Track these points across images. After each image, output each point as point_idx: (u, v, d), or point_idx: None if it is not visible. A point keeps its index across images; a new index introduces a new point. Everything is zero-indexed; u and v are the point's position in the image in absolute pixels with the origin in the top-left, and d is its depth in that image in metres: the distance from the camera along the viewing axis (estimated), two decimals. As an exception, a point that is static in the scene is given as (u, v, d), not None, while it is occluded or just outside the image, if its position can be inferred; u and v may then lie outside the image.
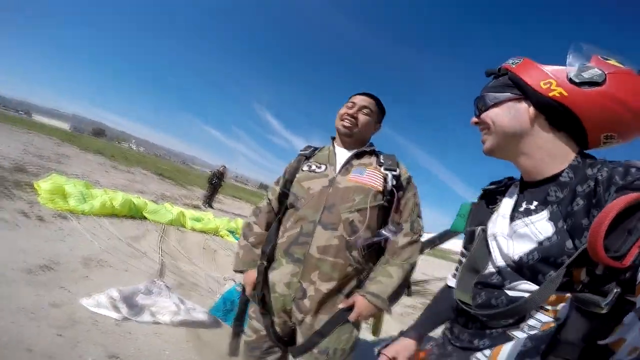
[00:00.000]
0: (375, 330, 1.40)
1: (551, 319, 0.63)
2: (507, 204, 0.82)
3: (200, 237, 5.79)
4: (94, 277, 2.83)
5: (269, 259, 1.32)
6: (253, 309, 1.34)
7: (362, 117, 1.40)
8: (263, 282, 1.31)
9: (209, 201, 10.98)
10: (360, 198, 1.26)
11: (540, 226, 0.68)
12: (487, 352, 0.69)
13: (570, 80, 0.68)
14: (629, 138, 0.73)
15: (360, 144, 1.45)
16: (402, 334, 0.99)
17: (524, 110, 0.75)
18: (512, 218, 0.77)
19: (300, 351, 1.23)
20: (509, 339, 0.67)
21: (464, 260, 0.88)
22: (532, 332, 0.64)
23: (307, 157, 1.47)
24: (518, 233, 0.71)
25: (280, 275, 1.26)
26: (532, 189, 0.77)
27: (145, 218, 5.87)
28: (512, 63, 0.79)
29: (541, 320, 0.64)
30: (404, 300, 5.88)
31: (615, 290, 0.54)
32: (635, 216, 0.53)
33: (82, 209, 4.90)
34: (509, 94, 0.77)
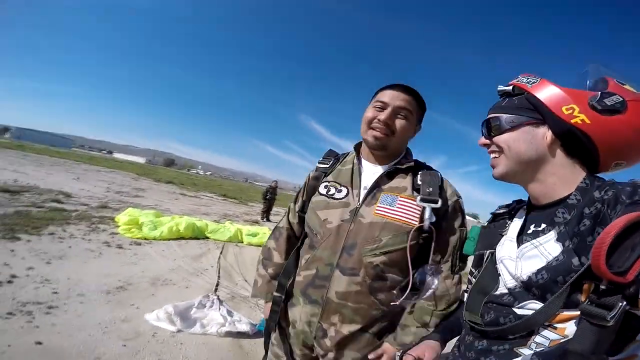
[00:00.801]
0: None
1: (559, 337, 0.62)
2: (515, 226, 0.81)
3: (256, 251, 6.16)
4: (159, 295, 3.24)
5: (287, 293, 1.20)
6: (274, 336, 1.25)
7: (399, 123, 1.10)
8: (282, 315, 1.21)
9: (266, 215, 11.59)
10: (388, 238, 1.04)
11: (549, 247, 0.67)
12: None
13: (592, 107, 0.66)
14: (634, 163, 0.73)
15: (395, 156, 1.17)
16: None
17: (542, 135, 0.72)
18: (520, 241, 0.76)
19: None
20: (515, 356, 0.66)
21: (473, 281, 0.87)
22: (539, 350, 0.63)
23: (327, 174, 1.23)
24: (526, 255, 0.70)
25: (300, 313, 1.14)
26: (539, 211, 0.76)
27: (207, 238, 6.46)
28: (528, 82, 0.74)
29: (549, 338, 0.63)
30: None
31: (620, 304, 0.53)
32: (638, 232, 0.53)
33: (153, 235, 5.60)
34: (526, 117, 0.73)
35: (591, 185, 0.69)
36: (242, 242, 6.68)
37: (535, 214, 0.77)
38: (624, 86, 0.68)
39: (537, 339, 0.64)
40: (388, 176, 1.13)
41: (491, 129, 0.79)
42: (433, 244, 1.04)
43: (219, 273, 4.35)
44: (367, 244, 1.05)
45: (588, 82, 0.70)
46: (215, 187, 26.23)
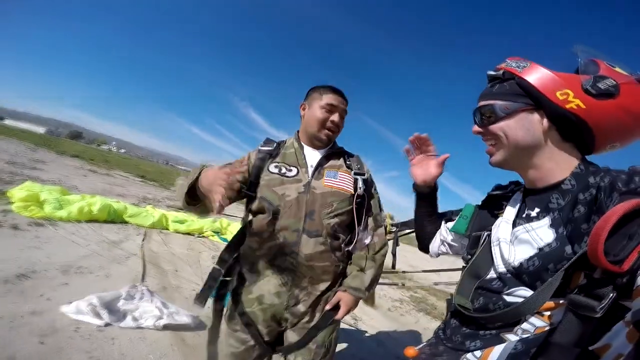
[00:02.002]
0: (372, 304, 1.53)
1: (545, 324, 0.63)
2: (511, 209, 0.81)
3: (184, 239, 5.74)
4: (74, 284, 2.80)
5: (242, 274, 1.32)
6: (235, 321, 1.30)
7: (342, 122, 1.41)
8: (242, 296, 1.30)
9: (192, 202, 10.85)
10: (337, 203, 1.31)
11: (541, 233, 0.68)
12: (478, 353, 0.69)
13: (586, 91, 0.65)
14: (628, 144, 0.74)
15: (329, 144, 1.45)
16: None
17: (537, 121, 0.72)
18: (515, 224, 0.77)
19: (298, 347, 1.26)
20: (501, 341, 0.67)
21: (466, 264, 0.87)
22: (525, 336, 0.64)
23: (272, 156, 1.39)
24: (519, 239, 0.71)
25: (268, 286, 1.26)
26: (534, 196, 0.77)
27: (126, 222, 5.78)
28: (518, 67, 0.73)
29: (535, 325, 0.64)
30: (391, 294, 5.97)
31: (611, 295, 0.54)
32: (636, 221, 0.53)
33: (59, 216, 4.78)
34: (521, 103, 0.72)
35: (586, 171, 0.69)
36: (168, 229, 6.15)
37: (530, 198, 0.78)
38: (615, 69, 0.68)
39: (524, 325, 0.65)
40: (326, 158, 1.40)
41: (484, 116, 0.78)
42: (365, 206, 1.36)
43: (144, 261, 3.94)
44: (324, 208, 1.28)
45: (579, 65, 0.69)
46: (131, 167, 23.50)
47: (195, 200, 1.23)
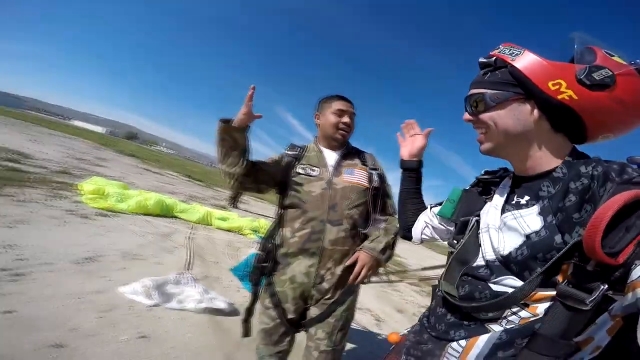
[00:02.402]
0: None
1: (530, 315, 0.62)
2: (500, 195, 0.80)
3: (226, 235, 6.13)
4: (131, 268, 3.18)
5: (276, 260, 1.54)
6: (268, 300, 1.53)
7: (353, 125, 1.63)
8: (270, 282, 1.54)
9: (234, 202, 11.39)
10: (355, 196, 1.53)
11: (530, 220, 0.67)
12: (463, 342, 0.69)
13: (580, 81, 0.62)
14: (622, 135, 0.71)
15: (344, 144, 1.67)
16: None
17: (528, 111, 0.70)
18: (503, 210, 0.75)
19: (319, 320, 1.48)
20: (486, 331, 0.66)
21: (453, 250, 0.85)
22: (509, 326, 0.64)
23: (297, 159, 1.61)
24: (507, 225, 0.70)
25: (299, 267, 1.48)
26: (524, 184, 0.75)
27: (176, 217, 6.31)
28: (511, 54, 0.70)
29: (520, 316, 0.63)
30: (419, 300, 5.83)
31: (601, 288, 0.53)
32: (635, 214, 0.52)
33: (120, 208, 5.39)
34: (512, 92, 0.70)
35: (576, 160, 0.68)
36: (212, 225, 6.59)
37: (520, 185, 0.77)
38: (613, 57, 0.64)
39: (510, 316, 0.64)
40: (343, 157, 1.62)
41: (475, 105, 0.76)
42: (380, 198, 1.58)
43: (190, 252, 4.32)
44: (344, 201, 1.50)
45: (575, 54, 0.66)
46: (178, 167, 25.25)
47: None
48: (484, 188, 0.89)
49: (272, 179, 1.57)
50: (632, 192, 0.51)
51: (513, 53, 0.70)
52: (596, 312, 0.55)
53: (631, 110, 0.64)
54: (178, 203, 6.79)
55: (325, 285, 1.48)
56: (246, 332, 1.65)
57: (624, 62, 0.63)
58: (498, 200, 0.79)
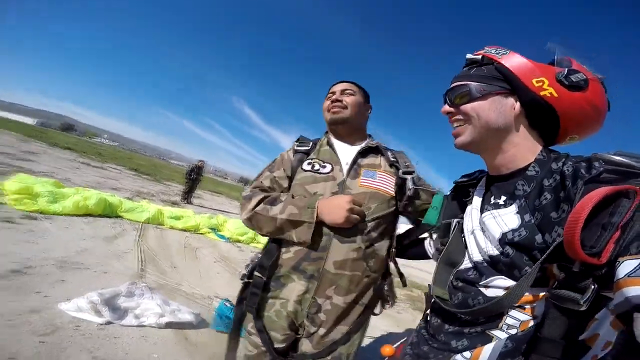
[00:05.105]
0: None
1: (529, 317, 0.63)
2: (478, 196, 0.82)
3: (180, 235, 5.67)
4: (71, 280, 2.73)
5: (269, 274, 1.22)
6: (252, 325, 1.22)
7: (348, 99, 1.31)
8: (258, 306, 1.21)
9: (187, 197, 10.73)
10: (375, 205, 1.18)
11: (507, 219, 0.69)
12: (467, 354, 0.68)
13: (560, 82, 0.69)
14: (585, 137, 0.79)
15: (359, 132, 1.36)
16: None
17: (510, 106, 0.74)
18: (482, 210, 0.77)
19: (312, 359, 1.16)
20: (489, 339, 0.66)
21: (438, 254, 0.87)
22: (512, 332, 0.64)
23: (308, 155, 1.32)
24: (487, 225, 0.72)
25: (289, 292, 1.16)
26: (499, 183, 0.78)
27: (121, 217, 5.69)
28: (497, 53, 0.75)
29: (519, 319, 0.63)
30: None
31: (592, 287, 0.54)
32: (607, 211, 0.53)
33: (53, 210, 4.70)
34: (497, 86, 0.74)
35: (548, 157, 0.72)
36: (163, 225, 6.06)
37: (495, 185, 0.79)
38: (583, 67, 0.72)
39: (508, 320, 0.65)
40: (362, 155, 1.28)
41: (457, 96, 0.78)
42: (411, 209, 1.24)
43: (141, 258, 3.88)
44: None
45: (556, 58, 0.73)
46: (124, 160, 23.19)
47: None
48: (463, 191, 0.91)
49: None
50: (601, 192, 0.53)
51: (499, 52, 0.75)
52: (594, 309, 0.55)
53: (598, 112, 0.72)
54: (123, 201, 6.12)
55: (322, 316, 1.15)
56: (234, 346, 1.32)
57: (591, 73, 0.71)
58: (477, 201, 0.81)
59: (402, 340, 0.94)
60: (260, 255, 1.27)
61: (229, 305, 2.54)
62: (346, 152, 1.30)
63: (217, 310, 2.58)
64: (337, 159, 1.27)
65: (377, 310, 1.27)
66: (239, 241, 6.50)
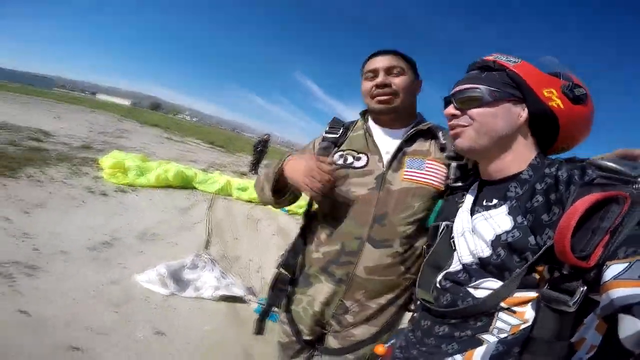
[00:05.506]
0: None
1: (520, 322, 0.62)
2: (469, 199, 0.82)
3: (246, 207, 6.05)
4: (148, 251, 3.12)
5: (296, 272, 1.17)
6: (283, 315, 1.20)
7: (397, 80, 1.04)
8: (287, 299, 1.17)
9: (254, 168, 11.39)
10: (420, 203, 1.00)
11: (499, 220, 0.69)
12: (459, 357, 0.68)
13: (565, 94, 0.70)
14: (572, 148, 0.82)
15: (408, 116, 1.12)
16: None
17: (517, 114, 0.74)
18: (473, 212, 0.77)
19: (335, 353, 1.11)
20: (479, 342, 0.66)
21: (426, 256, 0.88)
22: (502, 336, 0.63)
23: (337, 145, 1.14)
24: (479, 227, 0.72)
25: (316, 292, 1.09)
26: (491, 187, 0.78)
27: (195, 188, 6.27)
28: (509, 61, 0.75)
29: (510, 323, 0.63)
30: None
31: (581, 289, 0.55)
32: (597, 216, 0.54)
33: (140, 183, 5.37)
34: (508, 93, 0.73)
35: (542, 163, 0.72)
36: (232, 196, 6.53)
37: (487, 188, 0.79)
38: (581, 81, 0.74)
39: (498, 324, 0.64)
40: (408, 141, 1.07)
41: (466, 99, 0.76)
42: None
43: (209, 229, 4.25)
44: (400, 212, 0.99)
45: (560, 72, 0.73)
46: (202, 134, 25.48)
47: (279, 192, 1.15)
48: (457, 194, 0.90)
49: None
50: (592, 197, 0.54)
51: (511, 60, 0.75)
52: (583, 313, 0.57)
53: (590, 126, 0.77)
54: (198, 173, 6.74)
55: (349, 318, 1.07)
56: (258, 331, 1.32)
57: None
58: (468, 203, 0.81)
59: (392, 341, 0.93)
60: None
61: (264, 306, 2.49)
62: (387, 138, 1.09)
63: (255, 310, 2.57)
64: (375, 147, 1.07)
65: (412, 306, 1.12)
66: (297, 214, 6.69)
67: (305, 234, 1.17)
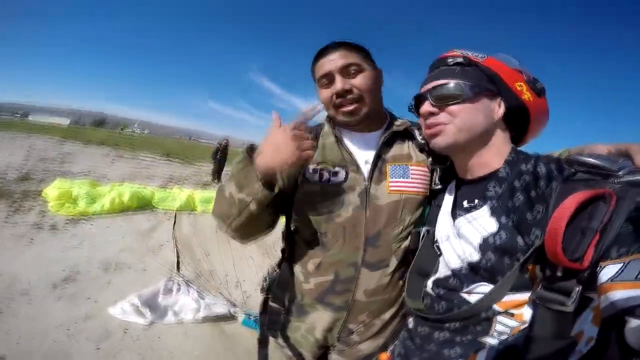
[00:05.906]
0: None
1: (519, 324, 0.62)
2: (447, 201, 0.81)
3: (212, 220, 5.79)
4: (116, 282, 2.97)
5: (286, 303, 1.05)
6: (282, 339, 1.10)
7: (359, 81, 0.91)
8: (282, 326, 1.06)
9: (217, 176, 11.02)
10: (411, 214, 0.93)
11: (483, 222, 0.68)
12: None
13: (532, 88, 0.74)
14: (531, 141, 0.85)
15: (380, 116, 1.02)
16: None
17: (494, 109, 0.74)
18: (454, 216, 0.77)
19: None
20: (481, 345, 0.65)
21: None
22: (503, 338, 0.63)
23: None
24: (464, 230, 0.71)
25: (315, 321, 1.01)
26: (469, 186, 0.77)
27: (155, 208, 5.97)
28: (477, 56, 0.75)
29: (509, 325, 0.63)
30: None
31: (577, 289, 0.54)
32: (584, 214, 0.53)
33: (93, 210, 5.01)
34: (485, 88, 0.73)
35: (517, 159, 0.72)
36: (196, 210, 6.31)
37: (465, 188, 0.78)
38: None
39: (498, 327, 0.64)
40: (386, 144, 0.96)
41: (444, 96, 0.74)
42: None
43: (177, 249, 4.10)
44: (392, 228, 0.91)
45: (522, 67, 0.76)
46: (155, 146, 24.13)
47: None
48: (437, 196, 0.90)
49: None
50: (579, 197, 0.53)
51: (478, 56, 0.75)
52: (579, 307, 0.56)
53: (548, 118, 0.80)
54: (155, 192, 6.42)
55: (355, 338, 1.01)
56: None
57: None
58: (447, 206, 0.80)
59: (390, 349, 0.92)
60: (275, 273, 1.09)
61: (252, 319, 2.52)
62: (362, 145, 0.97)
63: (242, 323, 2.58)
64: (351, 158, 0.95)
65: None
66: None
67: (289, 261, 1.05)
